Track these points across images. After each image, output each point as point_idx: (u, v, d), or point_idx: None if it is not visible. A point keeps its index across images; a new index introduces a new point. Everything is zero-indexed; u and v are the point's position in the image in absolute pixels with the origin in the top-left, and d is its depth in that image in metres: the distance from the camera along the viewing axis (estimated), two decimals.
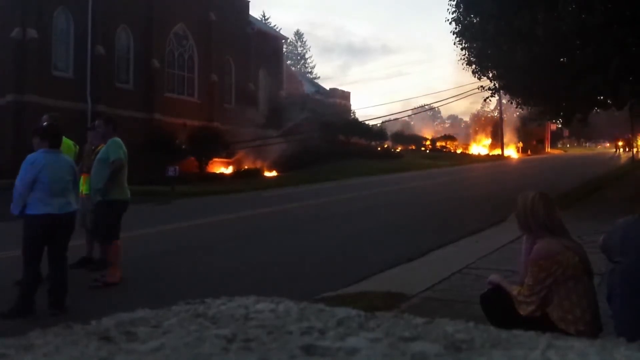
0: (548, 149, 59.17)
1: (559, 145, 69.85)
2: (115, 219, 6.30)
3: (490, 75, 14.90)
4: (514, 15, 10.76)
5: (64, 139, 5.86)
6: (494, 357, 0.54)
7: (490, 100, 19.59)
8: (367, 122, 41.03)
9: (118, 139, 6.45)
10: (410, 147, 43.56)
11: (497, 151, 51.36)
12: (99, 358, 0.55)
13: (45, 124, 6.20)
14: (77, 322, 0.66)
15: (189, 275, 6.56)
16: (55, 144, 5.35)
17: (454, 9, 13.87)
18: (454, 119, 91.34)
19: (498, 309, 3.27)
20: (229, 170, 27.28)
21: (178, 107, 27.23)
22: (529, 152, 54.37)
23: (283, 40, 41.38)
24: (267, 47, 33.65)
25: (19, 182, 5.14)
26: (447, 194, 16.59)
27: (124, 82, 25.45)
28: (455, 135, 57.45)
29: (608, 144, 47.49)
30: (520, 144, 55.20)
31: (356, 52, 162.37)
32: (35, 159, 5.19)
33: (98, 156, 6.49)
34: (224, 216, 12.39)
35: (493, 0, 11.36)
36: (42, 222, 5.11)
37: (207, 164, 25.76)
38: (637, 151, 35.54)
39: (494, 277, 3.54)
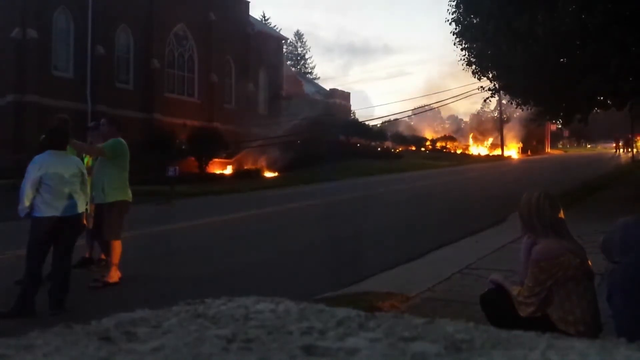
0: (548, 149, 59.16)
1: (559, 146, 69.81)
2: (118, 219, 6.30)
3: (490, 75, 14.89)
4: (514, 16, 10.76)
5: None
6: (494, 357, 0.54)
7: (490, 100, 19.58)
8: (366, 123, 41.09)
9: (122, 140, 6.44)
10: (410, 148, 43.55)
11: (498, 151, 51.38)
12: (99, 358, 0.55)
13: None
14: (77, 322, 0.66)
15: (189, 275, 6.55)
16: (60, 146, 5.35)
17: (454, 10, 13.87)
18: (454, 119, 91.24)
19: (498, 310, 3.27)
20: (228, 170, 27.29)
21: (178, 107, 27.24)
22: (529, 152, 54.36)
23: (283, 41, 41.39)
24: (267, 47, 33.66)
25: (24, 183, 5.15)
26: (447, 194, 16.59)
27: (124, 82, 25.47)
28: (455, 136, 57.45)
29: (614, 144, 47.10)
30: (521, 145, 55.20)
31: (357, 52, 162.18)
32: (40, 161, 5.20)
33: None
34: (223, 216, 12.40)
35: (493, 0, 11.36)
36: (47, 224, 5.11)
37: (207, 164, 25.77)
38: (637, 151, 35.53)
39: (495, 277, 3.54)
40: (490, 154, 51.00)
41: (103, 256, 6.76)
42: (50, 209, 5.13)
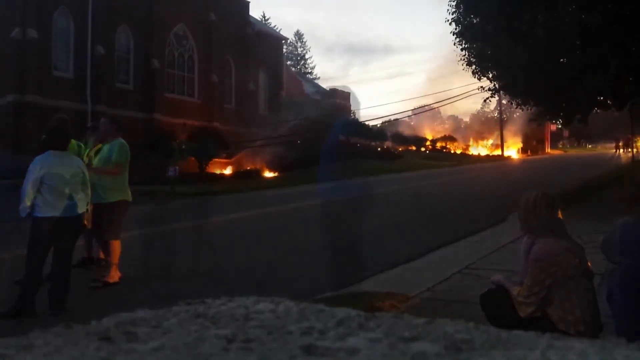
0: (548, 150, 59.19)
1: (559, 146, 69.79)
2: (117, 219, 6.29)
3: (490, 75, 14.89)
4: (514, 16, 10.76)
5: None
6: (494, 357, 0.54)
7: (490, 100, 19.56)
8: (366, 122, 41.10)
9: (123, 141, 6.43)
10: (410, 148, 43.54)
11: (498, 152, 51.41)
12: (99, 358, 0.55)
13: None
14: (77, 322, 0.66)
15: (189, 275, 6.55)
16: (60, 146, 5.35)
17: (454, 10, 13.87)
18: (454, 119, 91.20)
19: (498, 310, 3.27)
20: (229, 170, 27.28)
21: (178, 107, 27.23)
22: (528, 152, 54.41)
23: (283, 41, 41.39)
24: (267, 47, 33.65)
25: (25, 183, 5.16)
26: (447, 194, 16.59)
27: (124, 82, 25.46)
28: (455, 136, 57.46)
29: (614, 144, 47.11)
30: (521, 145, 55.26)
31: (357, 52, 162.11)
32: (41, 161, 5.20)
33: (101, 155, 6.49)
34: (223, 216, 12.39)
35: (493, 0, 11.36)
36: (47, 224, 5.11)
37: (207, 164, 25.76)
38: (637, 151, 35.52)
39: (497, 277, 3.54)
40: (490, 154, 51.03)
41: (103, 256, 6.75)
42: (51, 209, 5.13)
